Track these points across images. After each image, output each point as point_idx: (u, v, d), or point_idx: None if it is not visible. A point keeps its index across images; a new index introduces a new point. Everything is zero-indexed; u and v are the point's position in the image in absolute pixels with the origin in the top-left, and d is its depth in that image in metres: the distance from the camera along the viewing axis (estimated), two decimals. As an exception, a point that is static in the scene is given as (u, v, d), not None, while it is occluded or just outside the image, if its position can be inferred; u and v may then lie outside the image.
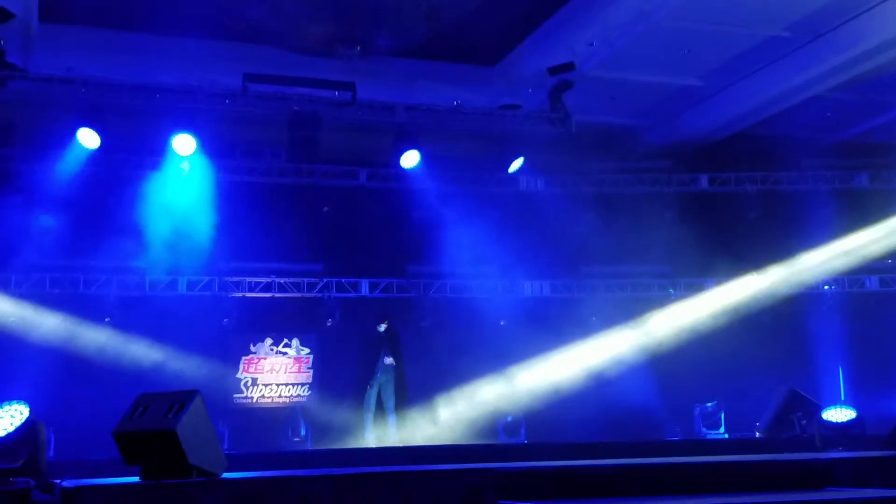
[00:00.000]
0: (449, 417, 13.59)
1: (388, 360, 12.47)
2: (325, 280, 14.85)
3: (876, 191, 15.68)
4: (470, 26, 11.65)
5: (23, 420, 10.23)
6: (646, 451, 10.01)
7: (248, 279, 14.49)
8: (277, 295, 14.63)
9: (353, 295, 14.75)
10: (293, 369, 14.81)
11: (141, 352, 12.80)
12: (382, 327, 12.63)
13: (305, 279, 14.67)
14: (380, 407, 12.44)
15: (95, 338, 12.87)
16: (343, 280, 14.85)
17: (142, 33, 12.58)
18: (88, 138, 12.87)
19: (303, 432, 13.76)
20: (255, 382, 14.59)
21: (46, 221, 13.01)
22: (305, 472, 7.02)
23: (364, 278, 14.97)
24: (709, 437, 13.99)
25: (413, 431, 12.81)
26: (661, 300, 15.30)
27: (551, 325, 14.77)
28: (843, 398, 14.96)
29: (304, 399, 14.69)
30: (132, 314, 13.44)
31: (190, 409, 6.21)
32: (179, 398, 6.33)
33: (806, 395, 12.06)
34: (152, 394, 6.61)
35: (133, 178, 13.72)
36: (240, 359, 14.47)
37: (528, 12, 12.66)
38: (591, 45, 12.81)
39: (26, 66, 12.46)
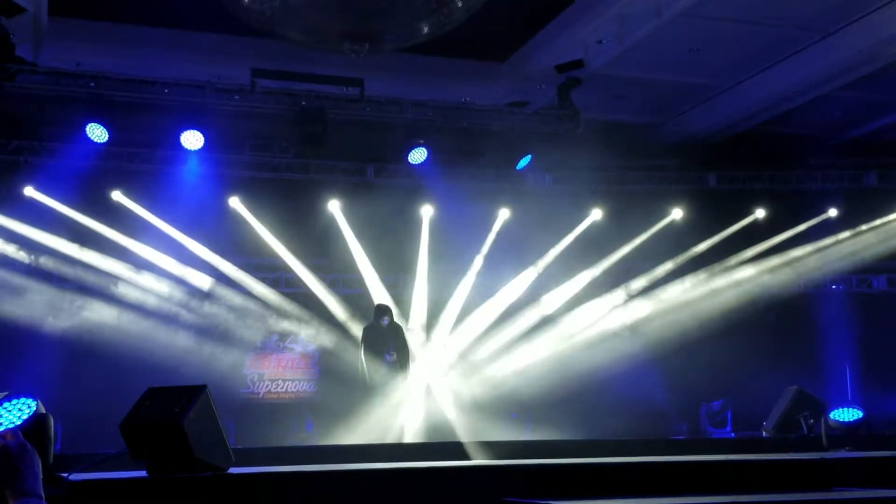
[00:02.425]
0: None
1: (391, 358, 12.05)
2: (332, 275, 14.85)
3: (885, 190, 15.63)
4: (479, 22, 11.62)
5: (30, 413, 10.24)
6: (652, 449, 9.98)
7: (256, 274, 14.49)
8: (285, 290, 14.63)
9: (360, 291, 14.73)
10: (300, 365, 14.82)
11: (149, 346, 12.81)
12: (386, 321, 12.23)
13: (313, 274, 14.64)
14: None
15: (104, 332, 12.88)
16: (350, 276, 14.84)
17: (150, 28, 12.61)
18: (97, 133, 12.89)
19: (309, 428, 13.77)
20: (261, 377, 14.60)
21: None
22: (312, 468, 7.03)
23: (371, 273, 14.94)
24: (715, 436, 13.96)
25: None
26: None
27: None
28: (850, 398, 14.92)
29: (311, 394, 14.69)
30: (140, 309, 13.46)
31: (197, 403, 6.20)
32: (187, 392, 6.33)
33: (813, 395, 12.03)
34: (160, 388, 6.61)
35: (141, 172, 13.75)
36: (247, 354, 14.47)
37: (538, 8, 12.65)
38: (601, 42, 12.79)
39: (36, 60, 12.49)
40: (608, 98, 14.50)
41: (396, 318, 13.44)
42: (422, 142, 14.13)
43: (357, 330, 13.46)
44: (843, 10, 11.91)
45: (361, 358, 11.86)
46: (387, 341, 12.02)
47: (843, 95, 14.05)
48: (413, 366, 12.95)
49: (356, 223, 14.60)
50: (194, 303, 13.85)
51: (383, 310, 12.32)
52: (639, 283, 15.29)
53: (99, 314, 13.19)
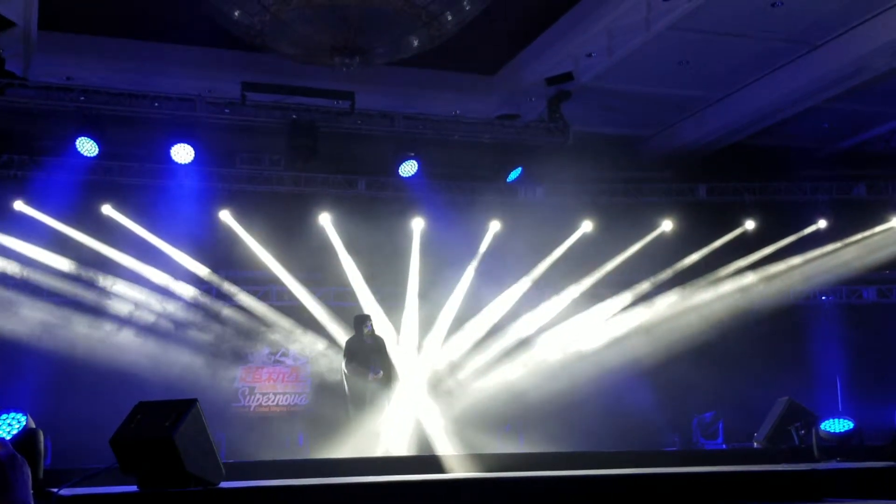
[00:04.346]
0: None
1: (377, 374, 11.49)
2: (323, 289, 14.83)
3: (874, 201, 15.69)
4: (469, 35, 11.67)
5: (20, 427, 10.21)
6: (644, 461, 10.00)
7: (247, 287, 14.46)
8: (276, 303, 14.61)
9: (351, 304, 14.71)
10: (291, 378, 14.78)
11: (139, 360, 12.76)
12: (369, 326, 11.87)
13: (304, 287, 14.62)
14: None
15: (94, 346, 12.83)
16: (341, 289, 14.83)
17: (141, 42, 12.63)
18: (87, 146, 12.88)
19: (301, 441, 13.72)
20: (252, 391, 14.56)
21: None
22: (303, 482, 7.02)
23: (362, 286, 14.93)
24: (707, 447, 13.97)
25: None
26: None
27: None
28: (840, 409, 14.96)
29: (303, 408, 14.65)
30: (131, 323, 13.42)
31: (188, 417, 6.20)
32: (177, 407, 6.33)
33: (804, 406, 12.05)
34: (150, 402, 6.61)
35: (131, 186, 13.74)
36: (238, 367, 14.44)
37: (528, 22, 12.71)
38: (591, 55, 12.85)
39: (25, 75, 12.48)
40: (598, 110, 14.55)
41: (387, 332, 13.42)
42: (412, 155, 14.14)
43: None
44: (830, 23, 11.99)
45: (344, 373, 11.73)
46: (371, 356, 11.69)
47: (832, 107, 14.12)
48: (400, 379, 12.90)
49: (347, 236, 14.60)
50: (185, 316, 13.82)
51: (363, 319, 12.07)
52: (629, 294, 15.29)
53: (89, 328, 13.14)
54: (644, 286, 15.33)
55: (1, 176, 13.20)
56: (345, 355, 11.85)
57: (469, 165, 15.10)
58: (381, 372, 11.60)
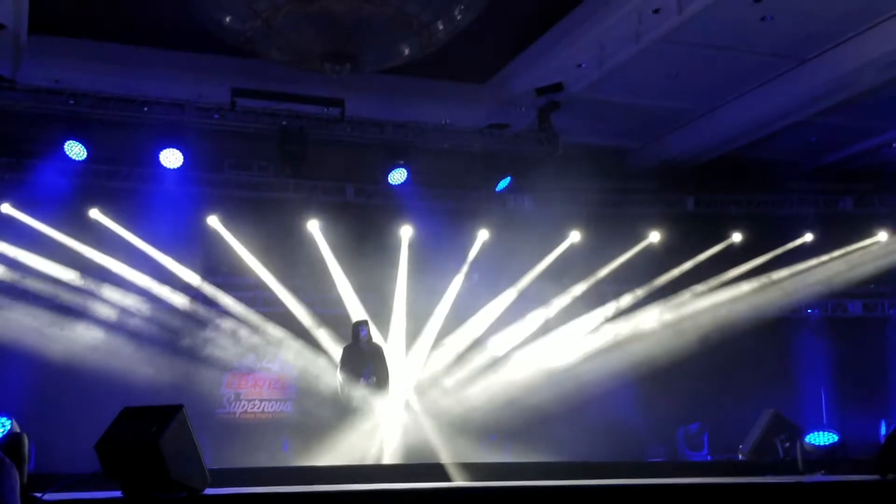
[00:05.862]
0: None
1: (369, 380, 11.52)
2: (311, 295, 14.81)
3: (860, 215, 15.77)
4: (460, 44, 11.71)
5: (4, 431, 10.16)
6: (629, 472, 10.00)
7: (234, 293, 14.43)
8: (263, 309, 14.57)
9: (338, 311, 14.71)
10: (276, 385, 14.74)
11: (125, 365, 12.70)
12: (364, 332, 11.80)
13: (291, 294, 14.59)
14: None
15: (79, 351, 12.77)
16: (328, 296, 14.81)
17: (130, 46, 12.61)
18: (75, 150, 12.84)
19: (285, 448, 13.68)
20: (238, 397, 14.51)
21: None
22: (288, 489, 7.00)
23: (349, 293, 14.93)
24: (692, 458, 13.99)
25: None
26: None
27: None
28: (825, 422, 15.02)
29: (288, 415, 14.61)
30: (117, 327, 13.37)
31: (173, 423, 6.17)
32: (163, 412, 6.30)
33: (789, 419, 12.09)
34: (136, 407, 6.58)
35: (119, 190, 13.70)
36: (223, 373, 14.39)
37: (519, 31, 12.76)
38: (581, 66, 12.89)
39: (14, 77, 12.45)
40: (588, 121, 14.59)
41: (376, 339, 13.40)
42: (402, 162, 14.16)
43: (335, 350, 13.40)
44: (819, 38, 12.07)
45: (339, 379, 11.74)
46: (366, 362, 11.69)
47: (819, 121, 14.19)
48: (392, 387, 12.87)
49: (335, 243, 14.59)
50: (171, 322, 13.76)
51: (361, 324, 12.05)
52: (616, 305, 15.31)
53: (74, 332, 13.07)
54: (630, 297, 15.36)
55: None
56: (340, 360, 11.88)
57: (458, 174, 15.12)
58: (374, 378, 11.58)
